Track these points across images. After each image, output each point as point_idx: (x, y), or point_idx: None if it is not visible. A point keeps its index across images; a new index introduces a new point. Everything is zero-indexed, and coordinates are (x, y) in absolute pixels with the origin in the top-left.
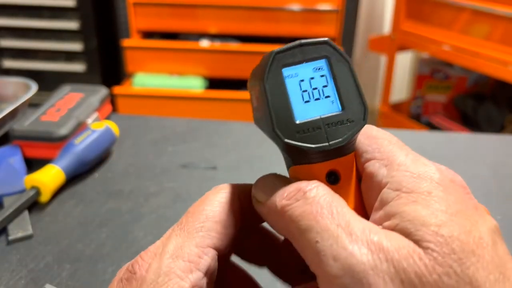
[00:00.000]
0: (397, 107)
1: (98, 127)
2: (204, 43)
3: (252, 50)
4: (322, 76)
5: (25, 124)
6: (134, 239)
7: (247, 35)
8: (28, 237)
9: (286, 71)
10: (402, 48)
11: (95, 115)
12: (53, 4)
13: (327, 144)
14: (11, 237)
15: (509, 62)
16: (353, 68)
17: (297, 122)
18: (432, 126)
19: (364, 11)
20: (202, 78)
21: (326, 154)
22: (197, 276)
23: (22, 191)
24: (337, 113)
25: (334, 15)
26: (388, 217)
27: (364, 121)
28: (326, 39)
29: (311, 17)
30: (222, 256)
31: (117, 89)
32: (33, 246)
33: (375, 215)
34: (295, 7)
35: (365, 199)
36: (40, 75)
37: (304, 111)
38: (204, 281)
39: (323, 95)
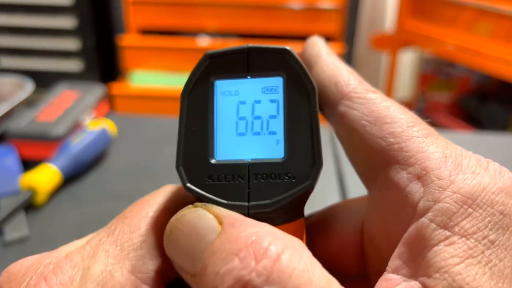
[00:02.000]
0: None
1: (95, 127)
2: (203, 41)
3: None
4: (273, 101)
5: (21, 123)
6: None
7: (247, 33)
8: (24, 239)
9: (221, 85)
10: (405, 46)
11: (92, 114)
12: (49, 3)
13: (245, 203)
14: (7, 239)
15: None
16: (316, 100)
17: (213, 161)
18: (435, 125)
19: (366, 9)
20: None
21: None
22: None
23: (18, 191)
24: (277, 160)
25: (335, 13)
26: (428, 272)
27: (310, 182)
28: (287, 47)
29: (312, 15)
30: (167, 284)
31: (115, 88)
32: (29, 248)
33: (401, 257)
34: (296, 5)
35: (379, 221)
36: (37, 73)
37: (231, 148)
38: None
39: (267, 129)
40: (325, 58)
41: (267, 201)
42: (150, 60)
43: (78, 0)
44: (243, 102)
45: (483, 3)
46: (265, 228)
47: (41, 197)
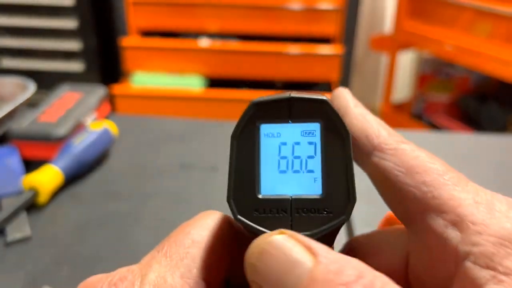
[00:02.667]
0: (399, 107)
1: (97, 127)
2: (204, 42)
3: (253, 49)
4: (310, 143)
5: (23, 124)
6: (133, 241)
7: (247, 34)
8: (26, 239)
9: (265, 128)
10: (404, 47)
11: (94, 115)
12: (51, 3)
13: None
14: (9, 239)
15: (511, 62)
16: (350, 144)
17: (260, 196)
18: (434, 126)
19: (366, 10)
20: (202, 77)
21: None
22: None
23: (20, 191)
24: (315, 196)
25: (335, 14)
26: None
27: (345, 216)
28: (324, 97)
29: (312, 16)
30: None
31: (116, 89)
32: (31, 248)
33: None
34: (296, 6)
35: (423, 261)
36: (38, 74)
37: (274, 184)
38: None
39: (306, 168)
40: (353, 111)
41: (308, 233)
42: (151, 61)
43: (79, 1)
44: (284, 143)
45: (482, 4)
46: (362, 264)
47: (43, 197)
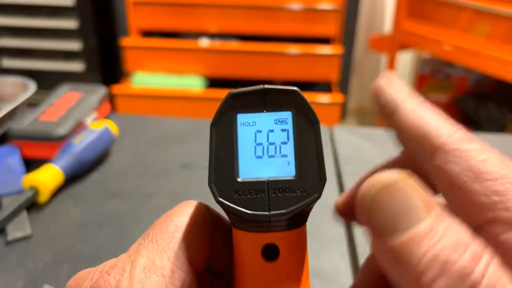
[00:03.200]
0: None
1: (97, 127)
2: (204, 42)
3: (252, 49)
4: (283, 130)
5: (23, 123)
6: (133, 240)
7: (247, 34)
8: (26, 238)
9: (241, 118)
10: (403, 47)
11: (94, 114)
12: (51, 3)
13: (267, 213)
14: (9, 238)
15: (510, 62)
16: (320, 130)
17: (239, 179)
18: None
19: (365, 10)
20: (202, 78)
21: (265, 224)
22: None
23: (21, 191)
24: (290, 178)
25: (334, 14)
26: None
27: (318, 195)
28: (295, 88)
29: (312, 16)
30: (197, 274)
31: (116, 89)
32: (31, 247)
33: None
34: (296, 6)
35: None
36: (39, 74)
37: (251, 168)
38: None
39: (280, 153)
40: (405, 105)
41: (284, 211)
42: (152, 62)
43: (80, 1)
44: (259, 131)
45: (481, 4)
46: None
47: (43, 196)
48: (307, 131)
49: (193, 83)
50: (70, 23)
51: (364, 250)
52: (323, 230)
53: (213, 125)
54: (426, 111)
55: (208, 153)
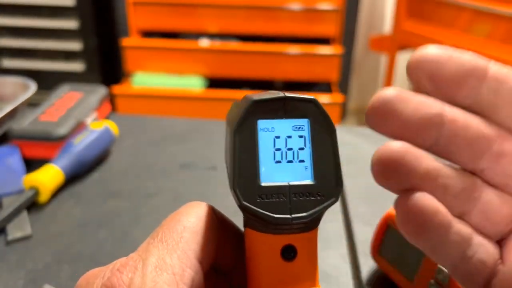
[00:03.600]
0: None
1: (97, 127)
2: (204, 43)
3: (252, 49)
4: (301, 136)
5: (24, 123)
6: (133, 240)
7: (247, 34)
8: (27, 238)
9: (262, 124)
10: (403, 47)
11: (94, 114)
12: (52, 3)
13: (289, 216)
14: (10, 237)
15: (510, 62)
16: (336, 138)
17: (262, 184)
18: None
19: (365, 10)
20: (202, 78)
21: (286, 227)
22: None
23: (21, 191)
24: (308, 182)
25: (334, 14)
26: None
27: (335, 198)
28: (313, 97)
29: (312, 17)
30: (206, 273)
31: (117, 89)
32: (32, 247)
33: None
34: (296, 6)
35: None
36: (39, 74)
37: (272, 173)
38: None
39: (297, 158)
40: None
41: (305, 214)
42: (152, 62)
43: (80, 2)
44: (278, 137)
45: (481, 4)
46: None
47: (43, 196)
48: (323, 138)
49: (193, 83)
50: (71, 23)
51: (364, 250)
52: (323, 230)
53: (236, 130)
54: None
55: (231, 158)
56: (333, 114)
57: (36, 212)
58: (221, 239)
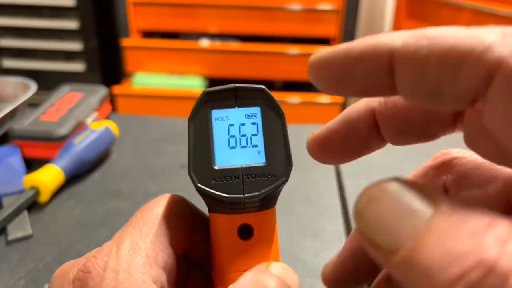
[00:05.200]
0: None
1: (98, 127)
2: (204, 43)
3: (252, 49)
4: (253, 124)
5: (24, 124)
6: None
7: (247, 34)
8: (27, 237)
9: (215, 113)
10: None
11: (95, 115)
12: (52, 4)
13: (241, 196)
14: (10, 237)
15: None
16: (285, 122)
17: (216, 167)
18: None
19: (365, 11)
20: (202, 78)
21: (240, 206)
22: (157, 271)
23: (22, 191)
24: (260, 164)
25: (334, 15)
26: None
27: (285, 177)
28: (262, 86)
29: (311, 17)
30: (179, 258)
31: (117, 89)
32: (32, 246)
33: None
34: (295, 6)
35: None
36: (40, 74)
37: (226, 158)
38: (164, 278)
39: (251, 143)
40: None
41: (257, 193)
42: (152, 62)
43: (81, 2)
44: (232, 125)
45: (481, 4)
46: (491, 211)
47: (44, 196)
48: (274, 124)
49: (194, 84)
50: (71, 24)
51: None
52: (322, 229)
53: (190, 119)
54: None
55: (187, 145)
56: (333, 114)
57: (36, 212)
58: (193, 229)
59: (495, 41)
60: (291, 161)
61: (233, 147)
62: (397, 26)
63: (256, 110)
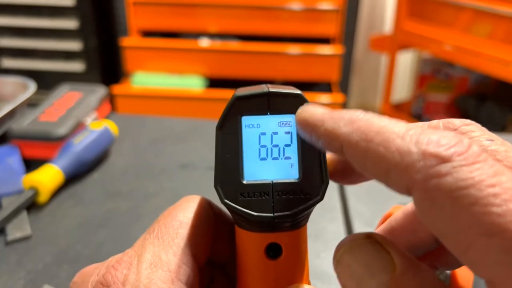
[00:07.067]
0: (398, 107)
1: (97, 127)
2: (204, 42)
3: (252, 49)
4: (287, 133)
5: (23, 123)
6: (133, 240)
7: (247, 34)
8: (26, 238)
9: (246, 120)
10: (404, 47)
11: (94, 114)
12: (52, 3)
13: (271, 215)
14: (9, 238)
15: (511, 62)
16: None
17: (244, 182)
18: None
19: (365, 10)
20: (202, 78)
21: (269, 225)
22: (179, 286)
23: (21, 191)
24: (293, 180)
25: (334, 14)
26: None
27: (320, 197)
28: (299, 92)
29: (312, 16)
30: (202, 267)
31: (116, 89)
32: (31, 247)
33: None
34: (296, 6)
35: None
36: (39, 74)
37: (256, 170)
38: None
39: (283, 155)
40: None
41: (288, 212)
42: (152, 62)
43: (80, 2)
44: (263, 133)
45: (481, 4)
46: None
47: (43, 196)
48: None
49: (193, 83)
50: (70, 23)
51: None
52: (323, 230)
53: (219, 127)
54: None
55: (215, 155)
56: None
57: (36, 212)
58: (218, 233)
59: (413, 162)
60: (327, 178)
61: (263, 159)
62: (397, 26)
63: (290, 118)
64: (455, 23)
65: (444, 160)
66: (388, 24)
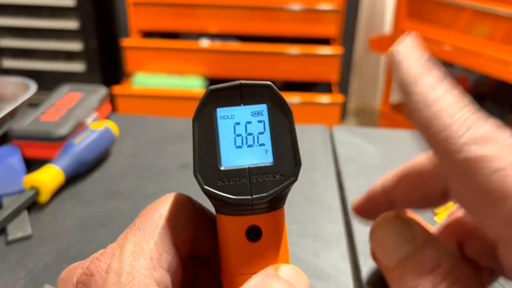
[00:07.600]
0: (398, 107)
1: (98, 127)
2: (204, 43)
3: (253, 50)
4: (260, 121)
5: (24, 124)
6: None
7: (247, 34)
8: (27, 238)
9: (221, 111)
10: None
11: (95, 115)
12: (52, 4)
13: (249, 197)
14: (10, 238)
15: (510, 62)
16: (293, 119)
17: (222, 168)
18: None
19: (365, 11)
20: (202, 78)
21: (248, 208)
22: (161, 273)
23: (21, 191)
24: (268, 164)
25: (334, 15)
26: None
27: (294, 178)
28: (269, 83)
29: (312, 17)
30: (182, 259)
31: (117, 89)
32: (32, 247)
33: None
34: (296, 6)
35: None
36: (40, 74)
37: (233, 157)
38: (168, 279)
39: (258, 142)
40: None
41: (265, 194)
42: (152, 62)
43: (81, 2)
44: (238, 123)
45: (481, 4)
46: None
47: (44, 196)
48: (281, 121)
49: (194, 84)
50: (71, 24)
51: (364, 250)
52: (323, 230)
53: (195, 119)
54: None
55: (192, 145)
56: (333, 114)
57: (36, 212)
58: (199, 227)
59: None
60: (299, 160)
61: (239, 147)
62: (396, 26)
63: (262, 108)
64: (454, 23)
65: None
66: (387, 25)
